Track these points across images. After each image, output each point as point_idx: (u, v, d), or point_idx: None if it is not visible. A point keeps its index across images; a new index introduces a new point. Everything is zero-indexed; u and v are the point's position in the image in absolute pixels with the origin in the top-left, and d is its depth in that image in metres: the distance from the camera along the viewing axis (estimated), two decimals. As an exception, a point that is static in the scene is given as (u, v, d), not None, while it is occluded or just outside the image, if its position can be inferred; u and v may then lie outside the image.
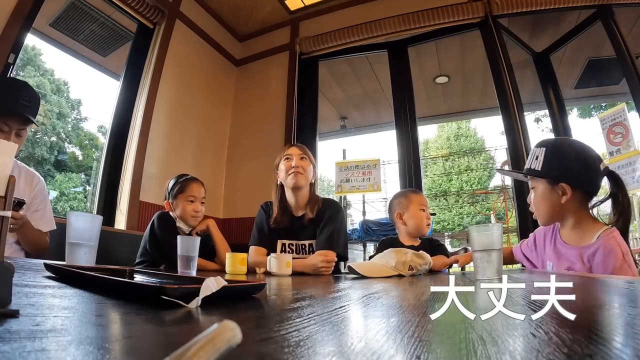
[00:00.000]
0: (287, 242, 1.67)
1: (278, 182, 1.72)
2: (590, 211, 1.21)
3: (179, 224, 1.73)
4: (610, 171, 1.20)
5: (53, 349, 0.19)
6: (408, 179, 2.91)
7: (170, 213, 1.76)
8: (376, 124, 5.40)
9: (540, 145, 1.23)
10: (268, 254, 1.51)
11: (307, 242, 1.66)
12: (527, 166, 1.26)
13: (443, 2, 2.90)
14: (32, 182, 1.54)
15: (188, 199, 1.72)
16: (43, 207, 1.55)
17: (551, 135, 2.62)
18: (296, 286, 0.80)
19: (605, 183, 1.21)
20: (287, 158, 1.68)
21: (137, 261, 1.72)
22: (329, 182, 14.49)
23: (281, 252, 1.64)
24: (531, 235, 1.42)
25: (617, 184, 1.18)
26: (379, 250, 1.79)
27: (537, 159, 1.21)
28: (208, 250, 1.74)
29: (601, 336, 0.25)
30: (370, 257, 1.74)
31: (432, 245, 1.76)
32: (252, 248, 1.66)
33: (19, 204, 1.19)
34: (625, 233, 1.13)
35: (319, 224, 1.63)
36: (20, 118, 1.36)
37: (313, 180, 1.73)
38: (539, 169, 1.20)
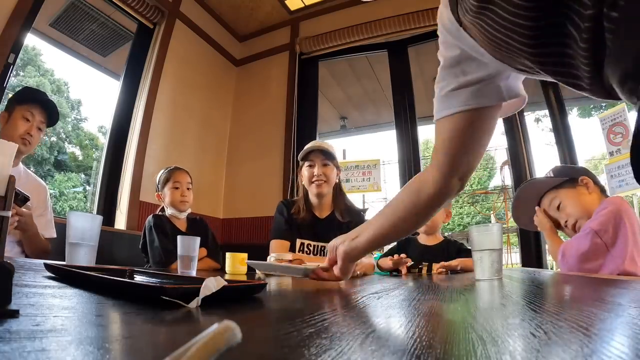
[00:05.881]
0: (306, 242, 1.66)
1: (302, 182, 1.72)
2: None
3: (170, 211, 1.78)
4: None
5: (53, 349, 0.19)
6: (408, 179, 2.90)
7: (165, 209, 1.82)
8: (376, 124, 5.40)
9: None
10: (290, 248, 1.51)
11: (327, 245, 1.63)
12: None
13: (443, 2, 2.90)
14: (39, 189, 1.61)
15: (174, 186, 1.79)
16: (46, 214, 1.61)
17: (551, 135, 2.62)
18: (296, 286, 0.80)
19: None
20: (310, 165, 1.67)
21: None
22: (329, 182, 14.45)
23: (298, 251, 1.64)
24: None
25: None
26: (396, 249, 1.77)
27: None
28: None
29: (601, 336, 0.25)
30: (385, 254, 1.72)
31: (450, 247, 1.70)
32: (274, 241, 1.64)
33: (23, 200, 1.19)
34: None
35: (344, 229, 1.60)
36: (43, 108, 1.56)
37: (337, 180, 1.73)
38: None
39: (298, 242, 1.64)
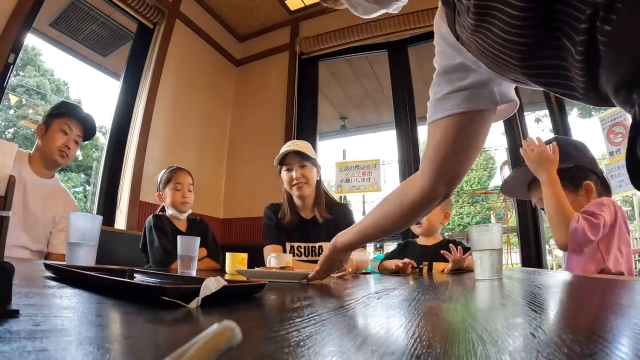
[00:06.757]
0: (296, 244, 1.64)
1: (284, 186, 1.69)
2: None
3: (171, 211, 1.78)
4: None
5: (53, 349, 0.19)
6: (408, 179, 2.91)
7: (165, 209, 1.82)
8: (376, 124, 5.41)
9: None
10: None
11: (317, 245, 1.63)
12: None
13: (443, 2, 2.90)
14: (66, 203, 1.66)
15: (175, 187, 1.78)
16: (67, 230, 1.60)
17: (551, 135, 2.62)
18: (296, 286, 0.80)
19: None
20: (287, 169, 1.65)
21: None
22: (329, 182, 14.46)
23: (289, 254, 1.62)
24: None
25: None
26: (397, 251, 1.77)
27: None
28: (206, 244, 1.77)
29: (601, 336, 0.25)
30: (387, 257, 1.72)
31: (448, 246, 1.68)
32: (267, 247, 1.62)
33: None
34: None
35: (331, 226, 1.58)
36: (81, 123, 1.63)
37: (318, 178, 1.70)
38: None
39: (288, 245, 1.63)
